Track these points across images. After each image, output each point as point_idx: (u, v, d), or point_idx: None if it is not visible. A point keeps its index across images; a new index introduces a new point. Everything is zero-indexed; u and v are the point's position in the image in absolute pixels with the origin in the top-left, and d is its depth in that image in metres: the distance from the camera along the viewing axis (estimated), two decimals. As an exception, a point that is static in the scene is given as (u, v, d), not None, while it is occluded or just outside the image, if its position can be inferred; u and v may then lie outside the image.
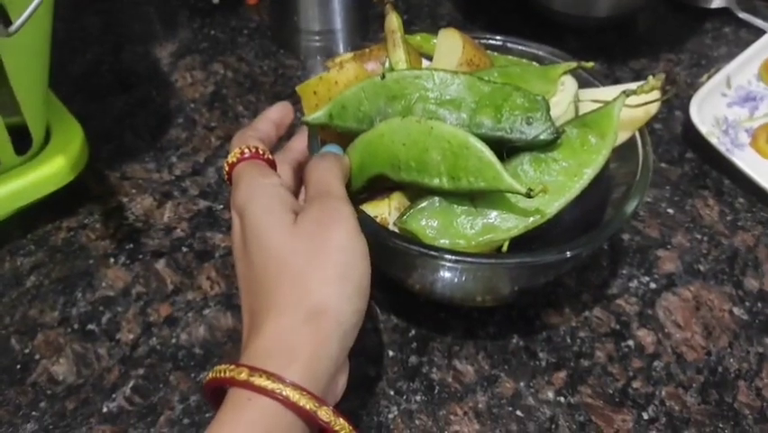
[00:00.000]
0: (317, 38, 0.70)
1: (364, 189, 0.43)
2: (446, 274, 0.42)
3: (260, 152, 0.40)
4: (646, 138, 0.45)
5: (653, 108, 0.44)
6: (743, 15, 0.74)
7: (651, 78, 0.42)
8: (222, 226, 0.53)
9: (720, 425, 0.44)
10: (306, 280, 0.33)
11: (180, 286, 0.50)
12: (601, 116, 0.41)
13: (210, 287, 0.50)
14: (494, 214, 0.40)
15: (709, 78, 0.63)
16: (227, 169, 0.40)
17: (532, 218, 0.39)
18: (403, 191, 0.42)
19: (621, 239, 0.54)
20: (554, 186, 0.39)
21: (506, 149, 0.40)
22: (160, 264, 0.51)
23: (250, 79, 0.65)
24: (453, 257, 0.38)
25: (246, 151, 0.39)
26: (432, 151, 0.39)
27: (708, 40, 0.72)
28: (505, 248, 0.40)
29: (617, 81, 0.67)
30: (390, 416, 0.44)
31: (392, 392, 0.45)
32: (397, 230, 0.40)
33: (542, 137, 0.40)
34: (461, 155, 0.38)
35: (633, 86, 0.43)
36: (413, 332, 0.48)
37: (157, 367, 0.45)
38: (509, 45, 0.51)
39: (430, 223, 0.40)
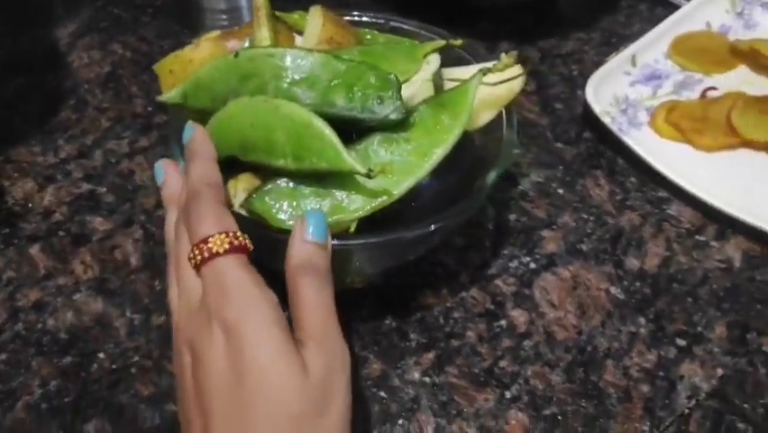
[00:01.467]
0: (224, 17, 0.68)
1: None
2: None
3: (242, 242, 0.34)
4: (512, 116, 0.45)
5: (517, 86, 0.44)
6: (657, -8, 0.74)
7: (503, 55, 0.41)
8: (103, 210, 0.53)
9: (583, 403, 0.44)
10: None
11: (53, 271, 0.49)
12: (456, 95, 0.41)
13: (83, 271, 0.49)
14: (341, 194, 0.39)
15: (616, 56, 0.63)
16: (204, 256, 0.33)
17: (379, 199, 0.38)
18: (254, 173, 0.41)
19: (507, 220, 0.53)
20: (404, 166, 0.39)
21: (356, 129, 0.40)
22: (35, 249, 0.50)
23: (148, 59, 0.64)
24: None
25: (237, 240, 0.34)
26: (278, 131, 0.39)
27: (621, 18, 0.71)
28: (352, 229, 0.39)
29: (523, 61, 0.66)
30: (252, 399, 0.44)
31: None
32: (244, 212, 0.40)
33: (391, 117, 0.39)
34: (304, 135, 0.38)
35: (489, 64, 0.42)
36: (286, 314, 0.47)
37: (20, 353, 0.45)
38: (393, 24, 0.51)
39: (277, 204, 0.39)
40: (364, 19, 0.51)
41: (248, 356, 0.31)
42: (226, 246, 0.33)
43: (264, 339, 0.31)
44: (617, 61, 0.62)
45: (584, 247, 0.52)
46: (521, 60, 0.42)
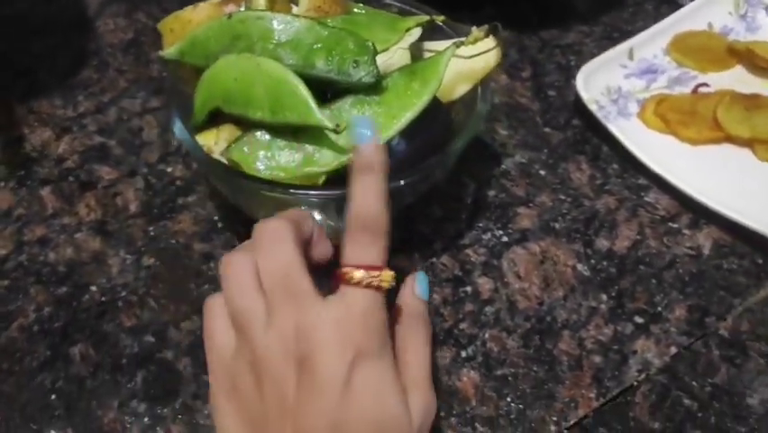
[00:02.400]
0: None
1: (208, 122, 0.46)
2: (274, 206, 0.45)
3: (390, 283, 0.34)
4: (487, 89, 0.47)
5: (492, 60, 0.46)
6: (666, -8, 0.75)
7: (474, 28, 0.44)
8: (110, 160, 0.57)
9: (534, 368, 0.46)
10: None
11: (59, 211, 0.53)
12: (428, 65, 0.43)
13: (87, 214, 0.53)
14: (313, 149, 0.42)
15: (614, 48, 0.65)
16: (370, 284, 0.33)
17: (348, 155, 0.42)
18: (236, 124, 0.45)
19: (486, 195, 0.56)
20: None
21: (334, 90, 0.43)
22: (46, 191, 0.55)
23: (168, 29, 0.68)
24: (268, 186, 0.41)
25: (393, 282, 0.34)
26: (257, 85, 0.42)
27: (626, 14, 0.73)
28: (320, 181, 0.43)
29: (523, 50, 0.68)
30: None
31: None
32: (225, 160, 0.43)
33: (364, 80, 0.42)
34: (280, 90, 0.41)
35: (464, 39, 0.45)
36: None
37: (20, 280, 0.49)
38: (387, 1, 0.54)
39: (254, 154, 0.43)
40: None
41: (371, 394, 0.32)
42: (392, 283, 0.34)
43: (388, 383, 0.33)
44: (614, 53, 0.64)
45: (557, 225, 0.54)
46: (494, 34, 0.44)
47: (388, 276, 0.33)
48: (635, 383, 0.46)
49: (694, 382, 0.46)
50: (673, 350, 0.47)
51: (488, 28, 0.44)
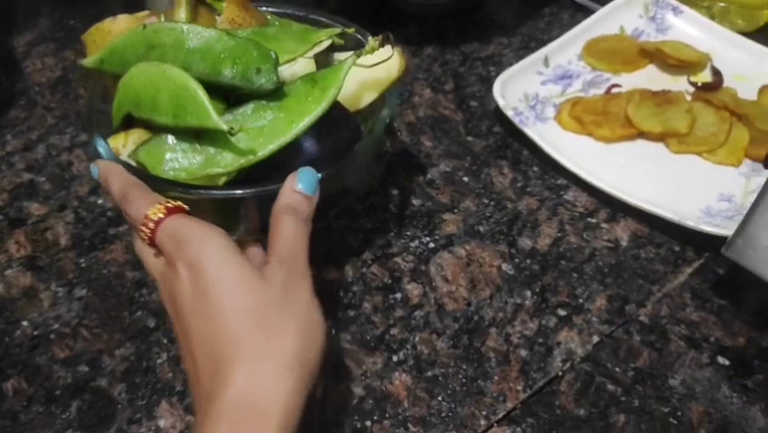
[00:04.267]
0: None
1: (123, 127, 0.47)
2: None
3: (176, 204, 0.39)
4: (391, 96, 0.49)
5: (394, 69, 0.48)
6: (580, 0, 0.78)
7: (371, 38, 0.46)
8: (40, 197, 0.57)
9: (464, 366, 0.48)
10: (282, 331, 0.35)
11: (-11, 249, 0.54)
12: (329, 73, 0.45)
13: (17, 250, 0.54)
14: (215, 151, 0.44)
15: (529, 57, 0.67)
16: (151, 227, 0.38)
17: (246, 158, 0.43)
18: (148, 129, 0.46)
19: (412, 204, 0.58)
20: (273, 130, 0.44)
21: (238, 96, 0.45)
22: (-25, 230, 0.55)
23: (96, 64, 0.69)
24: (169, 185, 0.42)
25: (170, 204, 0.39)
26: (163, 91, 0.44)
27: (542, 24, 0.76)
28: (221, 182, 0.44)
29: (445, 64, 0.71)
30: (159, 361, 0.48)
31: (165, 340, 0.49)
32: (133, 162, 0.44)
33: (265, 86, 0.44)
34: (182, 96, 0.43)
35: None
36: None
37: (-50, 320, 0.49)
38: (311, 17, 0.55)
39: (158, 156, 0.44)
40: (295, 13, 0.56)
41: (209, 276, 0.35)
42: (164, 211, 0.38)
43: (222, 261, 0.36)
44: (529, 61, 0.67)
45: (482, 229, 0.56)
46: (388, 43, 0.46)
47: (155, 210, 0.38)
48: (560, 373, 0.48)
49: (617, 368, 0.48)
50: (596, 339, 0.49)
51: (381, 37, 0.45)
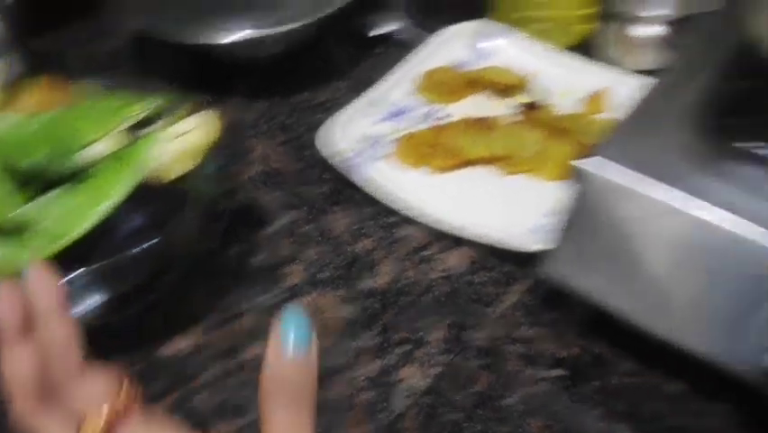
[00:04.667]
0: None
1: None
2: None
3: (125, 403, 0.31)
4: (211, 161, 0.50)
5: (206, 136, 0.49)
6: (407, 37, 0.81)
7: (182, 106, 0.47)
8: None
9: (309, 419, 0.49)
10: None
11: None
12: (133, 150, 0.46)
13: None
14: (18, 241, 0.44)
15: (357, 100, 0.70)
16: None
17: (56, 243, 0.43)
18: None
19: (253, 261, 0.58)
20: (80, 212, 0.44)
21: (46, 181, 0.45)
22: None
23: None
24: None
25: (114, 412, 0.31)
26: None
27: (373, 64, 0.78)
28: None
29: (272, 118, 0.72)
30: None
31: None
32: None
33: (66, 171, 0.44)
34: None
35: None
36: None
37: None
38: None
39: None
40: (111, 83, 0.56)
41: None
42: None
43: None
44: (359, 104, 0.69)
45: (323, 276, 0.57)
46: (199, 110, 0.47)
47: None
48: (404, 410, 0.49)
49: (457, 396, 0.50)
50: (435, 370, 0.51)
51: (190, 105, 0.46)
